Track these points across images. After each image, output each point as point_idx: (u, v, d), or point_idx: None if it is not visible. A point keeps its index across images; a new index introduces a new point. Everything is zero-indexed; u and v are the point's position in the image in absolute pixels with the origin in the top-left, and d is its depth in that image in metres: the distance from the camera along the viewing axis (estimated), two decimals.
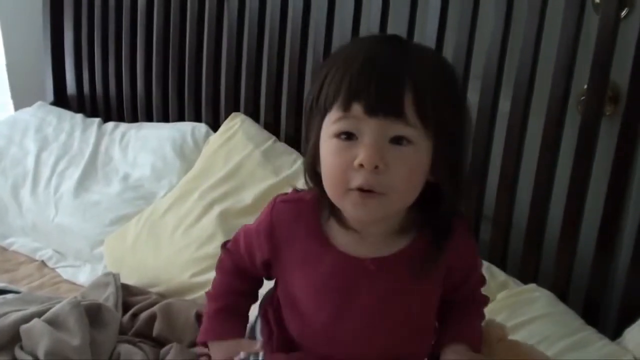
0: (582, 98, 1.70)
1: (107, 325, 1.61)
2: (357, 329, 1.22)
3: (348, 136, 1.10)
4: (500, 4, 1.73)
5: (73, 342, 1.52)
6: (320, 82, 1.14)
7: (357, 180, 1.08)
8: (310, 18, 2.13)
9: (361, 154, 1.07)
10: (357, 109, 1.08)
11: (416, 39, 1.91)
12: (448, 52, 1.85)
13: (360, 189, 1.09)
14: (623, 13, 1.63)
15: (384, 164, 1.08)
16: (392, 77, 1.08)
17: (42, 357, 1.49)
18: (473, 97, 1.82)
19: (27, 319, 1.58)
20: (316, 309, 1.23)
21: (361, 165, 1.07)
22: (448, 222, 1.20)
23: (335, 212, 1.18)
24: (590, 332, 1.61)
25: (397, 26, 1.92)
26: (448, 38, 1.86)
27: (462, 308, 1.31)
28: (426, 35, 1.87)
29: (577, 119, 1.69)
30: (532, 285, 1.73)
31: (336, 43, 2.06)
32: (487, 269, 1.79)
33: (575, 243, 1.72)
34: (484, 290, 1.74)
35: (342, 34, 2.04)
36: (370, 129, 1.08)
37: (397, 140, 1.09)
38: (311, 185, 1.20)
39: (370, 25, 1.97)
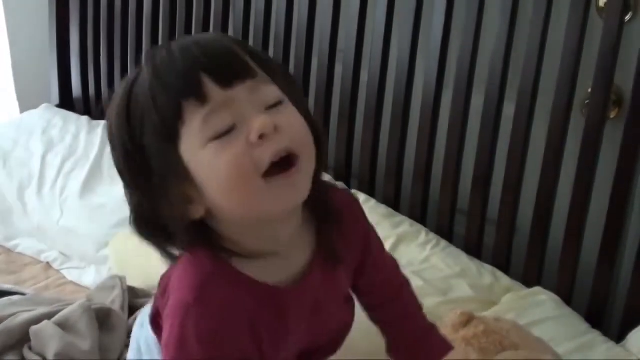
0: (586, 102, 1.71)
1: (116, 329, 1.62)
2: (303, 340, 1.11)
3: (225, 133, 0.94)
4: (505, 8, 1.74)
5: (83, 346, 1.52)
6: (140, 110, 0.96)
7: (268, 152, 0.93)
8: (315, 25, 2.14)
9: (254, 126, 0.93)
10: (215, 92, 0.94)
11: (421, 43, 1.92)
12: (453, 56, 1.86)
13: (277, 164, 0.94)
14: (627, 17, 1.64)
15: (279, 125, 0.95)
16: (220, 44, 0.98)
17: (51, 358, 1.50)
18: (478, 101, 1.83)
19: (36, 320, 1.59)
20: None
21: (261, 137, 0.93)
22: (326, 191, 1.08)
23: (240, 248, 1.01)
24: (595, 335, 1.61)
25: (402, 31, 1.93)
26: (453, 42, 1.87)
27: (408, 317, 1.24)
28: (431, 39, 1.88)
29: (581, 123, 1.70)
30: (538, 288, 1.73)
31: (341, 45, 2.07)
32: (492, 272, 1.80)
33: (579, 247, 1.73)
34: (489, 293, 1.75)
35: (347, 39, 2.05)
36: (241, 102, 0.95)
37: (271, 107, 0.97)
38: (185, 244, 1.01)
39: (375, 30, 1.98)
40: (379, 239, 1.21)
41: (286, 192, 0.96)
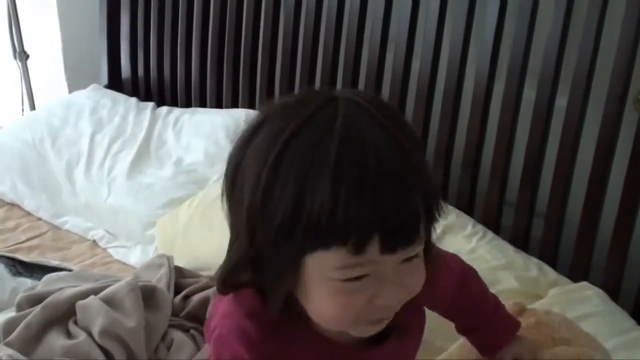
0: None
1: (160, 308, 1.63)
2: None
3: (358, 278, 0.90)
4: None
5: (128, 324, 1.54)
6: (296, 195, 0.86)
7: (376, 314, 0.94)
8: (367, 12, 2.13)
9: (385, 294, 0.90)
10: (373, 251, 0.87)
11: (474, 33, 1.91)
12: (506, 47, 1.85)
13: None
14: None
15: (403, 283, 0.93)
16: (404, 193, 0.88)
17: (96, 334, 1.52)
18: (530, 93, 1.82)
19: (83, 295, 1.61)
20: None
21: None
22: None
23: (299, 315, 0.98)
24: None
25: (455, 20, 1.92)
26: (506, 33, 1.86)
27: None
28: (485, 30, 1.87)
29: (634, 118, 1.68)
30: (585, 283, 1.72)
31: (393, 34, 2.07)
32: (538, 266, 1.79)
33: (628, 243, 1.71)
34: (535, 286, 1.73)
35: (399, 27, 2.04)
36: (388, 266, 0.90)
37: (406, 260, 0.92)
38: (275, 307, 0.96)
39: (428, 19, 1.97)
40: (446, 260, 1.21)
41: (370, 330, 0.97)
